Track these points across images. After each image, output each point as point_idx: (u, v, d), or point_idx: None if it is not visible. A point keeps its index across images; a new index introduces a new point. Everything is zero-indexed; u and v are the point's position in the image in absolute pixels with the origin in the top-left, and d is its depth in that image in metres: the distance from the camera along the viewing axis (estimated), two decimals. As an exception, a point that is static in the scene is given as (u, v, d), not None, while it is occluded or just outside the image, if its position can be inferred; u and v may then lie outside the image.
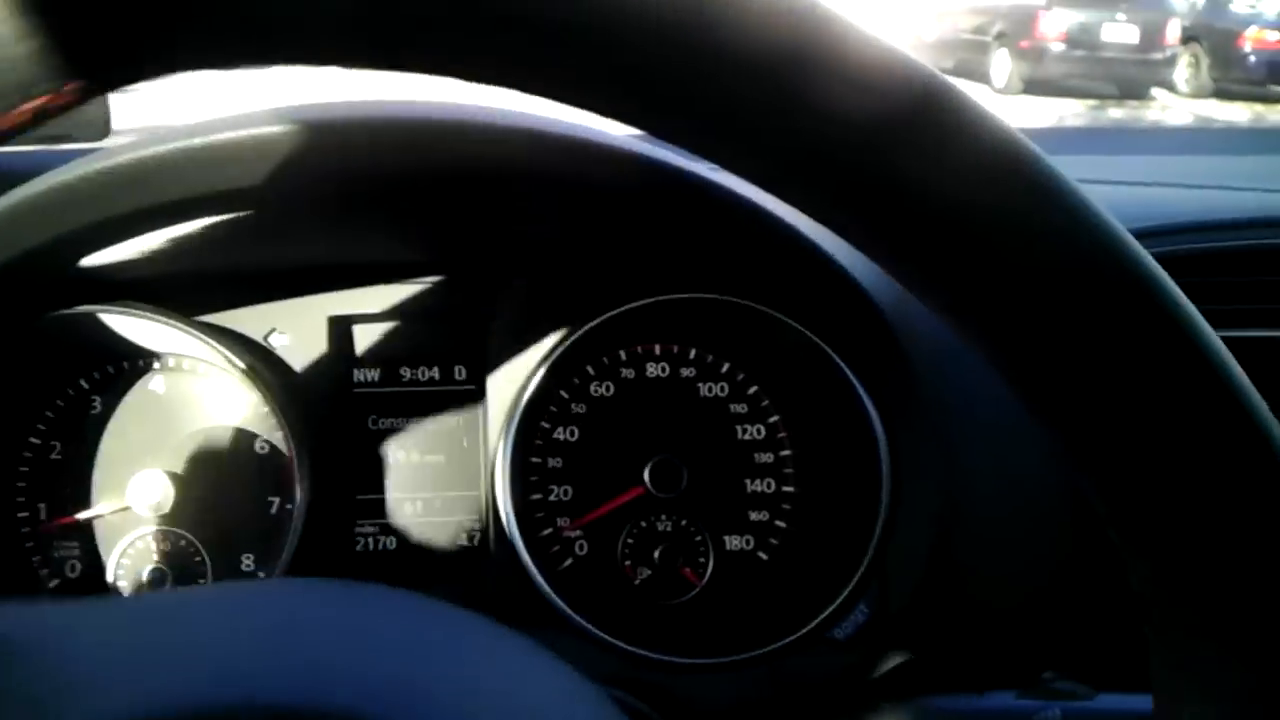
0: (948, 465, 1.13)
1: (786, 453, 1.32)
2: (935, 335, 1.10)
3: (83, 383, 1.29)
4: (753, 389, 1.32)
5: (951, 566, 1.13)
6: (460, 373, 1.33)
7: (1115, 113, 13.85)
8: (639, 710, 1.03)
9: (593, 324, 1.23)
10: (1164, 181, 1.51)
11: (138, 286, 1.18)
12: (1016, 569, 1.16)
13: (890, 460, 1.16)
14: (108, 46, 0.41)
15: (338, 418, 1.30)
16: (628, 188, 1.03)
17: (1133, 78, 14.60)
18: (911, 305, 1.09)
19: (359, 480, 1.32)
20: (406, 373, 1.33)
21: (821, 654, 1.16)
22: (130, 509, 1.27)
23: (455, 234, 1.23)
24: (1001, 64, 14.50)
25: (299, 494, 1.19)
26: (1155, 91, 14.89)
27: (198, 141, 0.93)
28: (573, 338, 1.23)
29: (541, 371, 1.25)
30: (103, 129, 1.42)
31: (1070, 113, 12.99)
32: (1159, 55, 14.38)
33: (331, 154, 0.98)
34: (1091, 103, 13.82)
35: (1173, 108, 14.30)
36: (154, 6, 0.40)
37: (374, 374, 1.32)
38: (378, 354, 1.32)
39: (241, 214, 1.05)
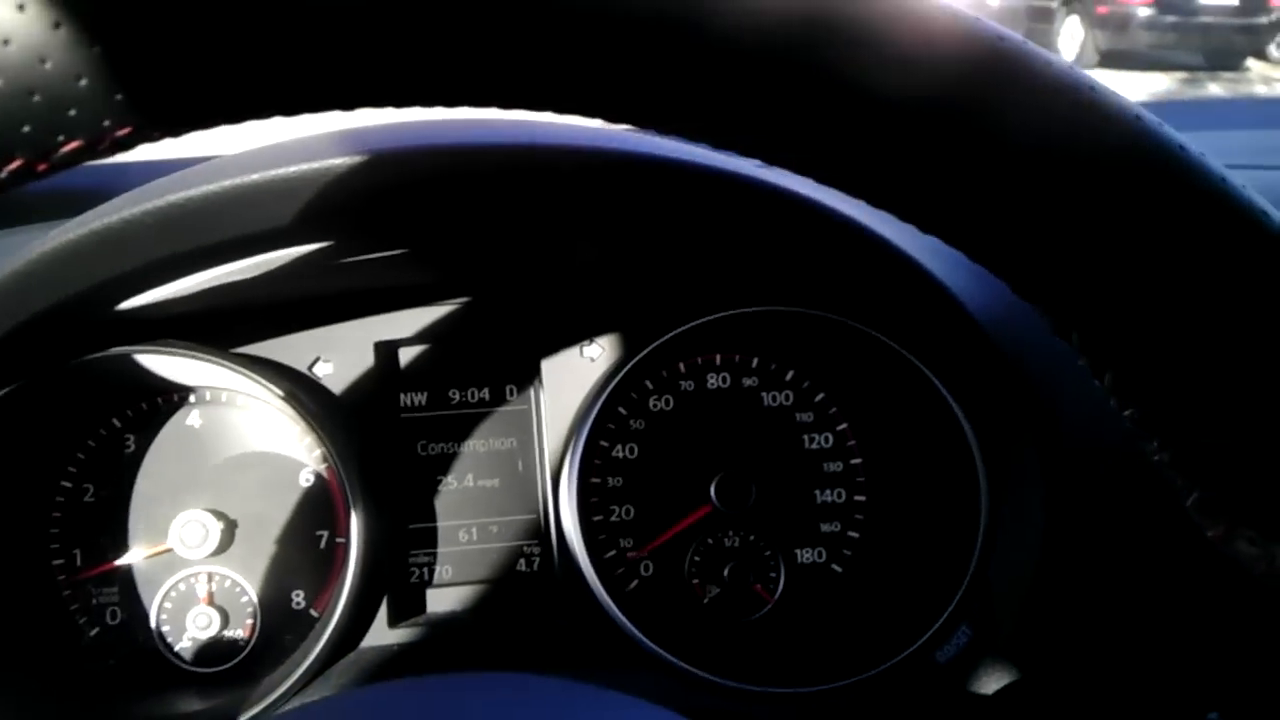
0: (1051, 474, 1.08)
1: (856, 460, 1.30)
2: (1029, 339, 1.06)
3: (115, 421, 1.27)
4: (819, 396, 1.30)
5: (1064, 587, 1.09)
6: (511, 392, 1.30)
7: (1213, 87, 11.86)
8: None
9: (650, 347, 1.20)
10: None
11: (173, 323, 1.16)
12: (1138, 592, 1.11)
13: (986, 469, 1.12)
14: (184, 92, 0.38)
15: (386, 444, 1.28)
16: (685, 196, 0.99)
17: (1230, 47, 12.52)
18: (1003, 306, 1.05)
19: (410, 509, 1.29)
20: (455, 395, 1.30)
21: (921, 680, 1.11)
22: (172, 550, 1.23)
23: (501, 253, 1.19)
24: (1073, 33, 12.47)
25: (354, 526, 1.15)
26: (1249, 62, 12.75)
27: (237, 182, 0.90)
28: (633, 357, 1.21)
29: (599, 388, 1.22)
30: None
31: (1159, 88, 11.21)
32: (1264, 19, 12.14)
33: (367, 181, 0.94)
34: (1180, 75, 12.12)
35: (1276, 78, 12.26)
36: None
37: (421, 398, 1.29)
38: (425, 377, 1.30)
39: (282, 249, 1.01)
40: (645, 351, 1.19)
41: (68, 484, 1.25)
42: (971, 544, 1.12)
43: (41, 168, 0.40)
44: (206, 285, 1.04)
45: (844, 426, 1.30)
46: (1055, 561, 1.09)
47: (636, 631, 1.16)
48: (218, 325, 1.19)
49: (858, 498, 1.30)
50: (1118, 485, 1.07)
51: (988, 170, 0.41)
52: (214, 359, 1.15)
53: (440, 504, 1.29)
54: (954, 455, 1.14)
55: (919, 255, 1.02)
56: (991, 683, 1.11)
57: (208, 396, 1.27)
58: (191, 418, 1.27)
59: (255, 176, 0.90)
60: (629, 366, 1.19)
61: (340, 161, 0.90)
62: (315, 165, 0.90)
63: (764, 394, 1.30)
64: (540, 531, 1.29)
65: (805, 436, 1.30)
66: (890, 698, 1.13)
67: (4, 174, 0.39)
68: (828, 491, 1.30)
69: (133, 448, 1.27)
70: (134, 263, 0.94)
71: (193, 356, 1.14)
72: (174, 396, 1.27)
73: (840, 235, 1.00)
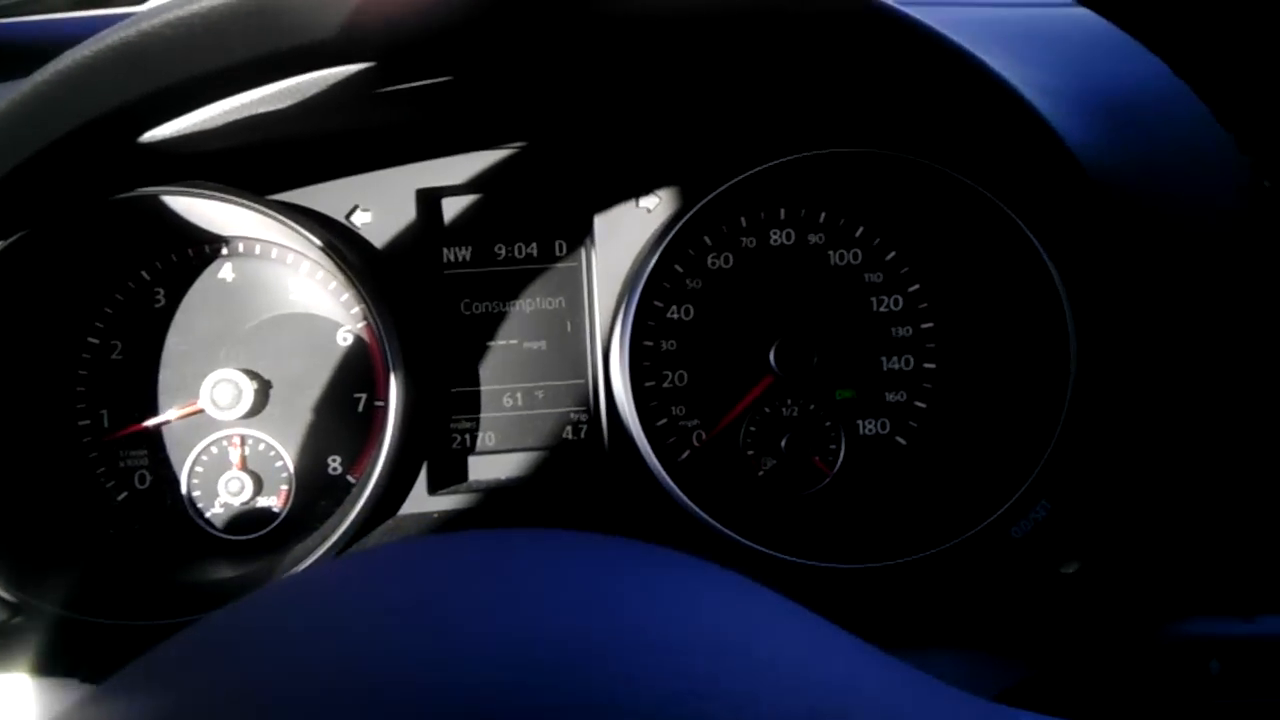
0: (1149, 341, 1.01)
1: (927, 325, 1.23)
2: (1136, 184, 0.98)
3: (144, 274, 1.22)
4: (890, 254, 1.24)
5: (1155, 463, 1.03)
6: (561, 248, 1.24)
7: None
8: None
9: (714, 194, 1.12)
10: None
11: (205, 164, 1.09)
12: (1230, 470, 1.04)
13: (1078, 335, 1.05)
14: None
15: (427, 302, 1.23)
16: (774, 17, 0.91)
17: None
18: (1106, 146, 0.98)
19: (452, 371, 1.24)
20: (501, 250, 1.24)
21: (993, 557, 1.06)
22: (203, 412, 1.19)
23: (554, 89, 1.12)
24: None
25: (393, 388, 1.10)
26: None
27: None
28: (692, 208, 1.13)
29: (655, 241, 1.15)
30: (144, -11, 1.32)
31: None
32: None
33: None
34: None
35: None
36: None
37: (465, 252, 1.24)
38: (469, 230, 1.24)
39: (318, 74, 0.94)
40: (708, 199, 1.12)
41: (94, 340, 1.21)
42: (1056, 413, 1.06)
43: None
44: (238, 117, 0.98)
45: (916, 288, 1.23)
46: (1150, 436, 1.03)
47: (689, 503, 1.11)
48: (250, 168, 1.13)
49: (927, 365, 1.24)
50: (1224, 360, 1.01)
51: None
52: (247, 203, 1.09)
53: (484, 367, 1.24)
54: (1041, 318, 1.07)
55: (1016, 84, 0.95)
56: (1068, 560, 1.06)
57: (240, 249, 1.22)
58: (224, 271, 1.22)
59: None
60: (688, 216, 1.12)
61: None
62: None
63: (830, 252, 1.23)
64: (589, 397, 1.24)
65: (873, 299, 1.23)
66: (958, 575, 1.08)
67: None
68: (895, 358, 1.24)
69: (163, 302, 1.22)
70: (156, 83, 0.87)
71: (225, 200, 1.08)
72: (205, 248, 1.22)
73: (938, 62, 0.92)
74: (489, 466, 1.24)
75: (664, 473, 1.13)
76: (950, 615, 1.05)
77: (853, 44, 0.90)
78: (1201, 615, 0.86)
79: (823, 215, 1.23)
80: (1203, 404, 1.01)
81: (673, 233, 1.13)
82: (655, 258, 1.13)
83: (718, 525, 1.10)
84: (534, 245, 1.25)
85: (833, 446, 1.23)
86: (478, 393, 1.24)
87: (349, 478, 1.23)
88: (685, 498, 1.11)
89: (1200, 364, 1.01)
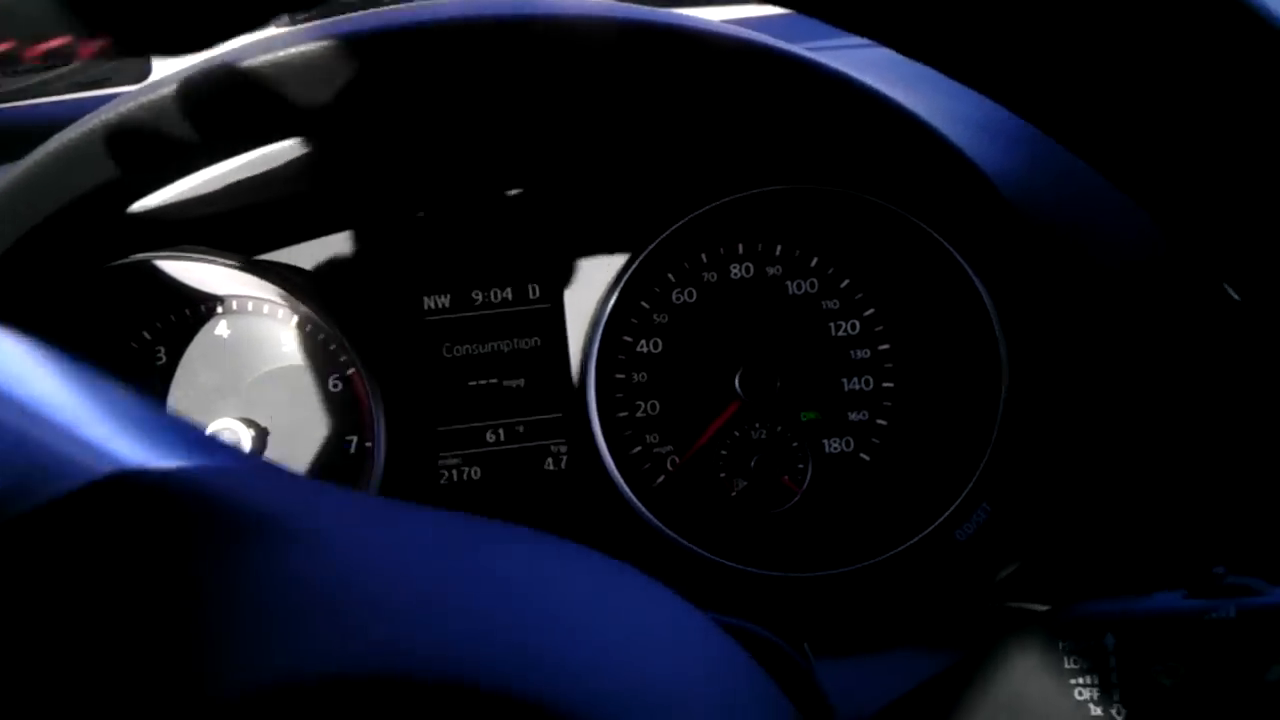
0: (1072, 351, 1.08)
1: (884, 347, 1.30)
2: (1054, 211, 1.05)
3: (145, 334, 1.29)
4: (845, 282, 1.30)
5: (1081, 460, 1.09)
6: (534, 291, 1.31)
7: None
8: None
9: (671, 229, 1.20)
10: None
11: (195, 227, 1.17)
12: (1157, 459, 1.11)
13: (1007, 344, 1.13)
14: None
15: (410, 348, 1.30)
16: (712, 69, 0.99)
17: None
18: (1026, 176, 1.05)
19: (438, 412, 1.31)
20: (478, 295, 1.31)
21: (941, 559, 1.13)
22: (206, 460, 1.26)
23: (520, 143, 1.20)
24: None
25: (378, 430, 1.18)
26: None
27: (241, 65, 0.91)
28: (650, 244, 1.21)
29: (619, 282, 1.24)
30: (141, 71, 1.40)
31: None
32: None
33: (388, 62, 0.95)
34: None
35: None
36: None
37: (444, 300, 1.31)
38: (447, 278, 1.31)
39: (296, 140, 1.03)
40: (664, 235, 1.19)
41: (102, 397, 1.29)
42: (991, 421, 1.13)
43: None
44: (221, 185, 1.07)
45: (871, 312, 1.29)
46: (1075, 437, 1.09)
47: (662, 526, 1.19)
48: (238, 230, 1.21)
49: (885, 385, 1.30)
50: (1136, 364, 1.08)
51: None
52: (234, 264, 1.17)
53: (467, 406, 1.31)
54: (976, 332, 1.14)
55: (940, 125, 1.02)
56: (1009, 560, 1.13)
57: (234, 306, 1.29)
58: (220, 328, 1.30)
59: (255, 60, 0.91)
60: (646, 253, 1.20)
61: (331, 45, 0.91)
62: (305, 50, 0.91)
63: (789, 282, 1.30)
64: (567, 430, 1.31)
65: (831, 324, 1.30)
66: (909, 578, 1.14)
67: None
68: (855, 379, 1.30)
69: (164, 360, 1.30)
70: (134, 159, 0.95)
71: (214, 262, 1.17)
72: (202, 307, 1.30)
73: (861, 107, 1.00)
74: (476, 500, 1.31)
75: (635, 498, 1.21)
76: (907, 614, 1.13)
77: (750, 84, 0.97)
78: (1102, 596, 0.92)
79: (779, 248, 1.30)
80: (1121, 408, 1.08)
81: (630, 272, 1.20)
82: (615, 296, 1.21)
83: (688, 544, 1.17)
84: (509, 289, 1.32)
85: (800, 466, 1.29)
86: (463, 430, 1.31)
87: (345, 517, 1.30)
88: (656, 520, 1.19)
89: (1120, 378, 1.08)
